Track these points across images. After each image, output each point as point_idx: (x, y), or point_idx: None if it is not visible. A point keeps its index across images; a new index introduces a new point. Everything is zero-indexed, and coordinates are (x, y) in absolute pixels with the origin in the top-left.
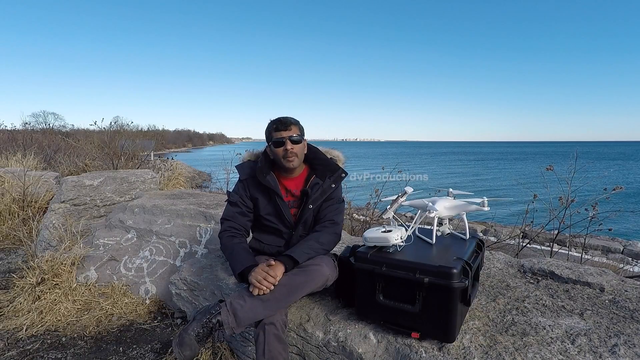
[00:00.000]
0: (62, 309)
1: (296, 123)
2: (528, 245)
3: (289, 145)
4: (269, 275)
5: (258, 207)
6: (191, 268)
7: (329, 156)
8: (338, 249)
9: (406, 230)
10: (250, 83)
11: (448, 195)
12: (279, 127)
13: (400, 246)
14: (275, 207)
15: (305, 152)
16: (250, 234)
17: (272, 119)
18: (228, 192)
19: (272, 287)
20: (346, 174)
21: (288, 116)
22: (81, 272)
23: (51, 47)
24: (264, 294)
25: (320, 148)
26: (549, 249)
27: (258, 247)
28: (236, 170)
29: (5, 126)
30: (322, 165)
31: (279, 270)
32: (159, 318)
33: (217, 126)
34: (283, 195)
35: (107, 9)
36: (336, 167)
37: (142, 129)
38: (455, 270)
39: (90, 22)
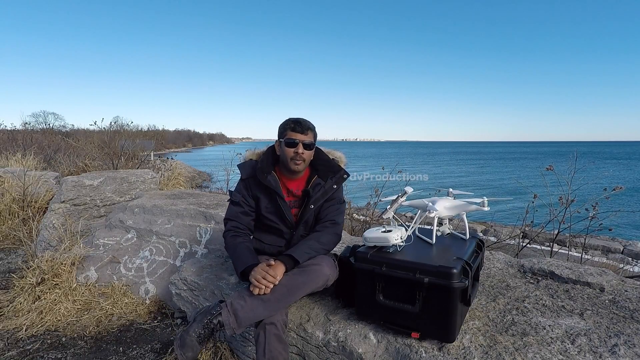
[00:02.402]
0: (62, 309)
1: (313, 129)
2: (528, 245)
3: (301, 149)
4: (269, 274)
5: (259, 206)
6: (191, 268)
7: (331, 157)
8: (338, 249)
9: (406, 230)
10: (250, 83)
11: (448, 195)
12: (297, 128)
13: (400, 246)
14: (276, 207)
15: (313, 159)
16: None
17: (290, 118)
18: (230, 192)
19: (272, 287)
20: (348, 175)
21: (307, 120)
22: (81, 272)
23: (51, 47)
24: (264, 293)
25: (322, 149)
26: (549, 249)
27: (259, 247)
28: (237, 170)
29: (5, 126)
30: (324, 165)
31: (279, 269)
32: (159, 318)
33: (217, 126)
34: (284, 195)
35: (107, 8)
36: (338, 168)
37: (142, 129)
38: (455, 270)
39: (90, 22)
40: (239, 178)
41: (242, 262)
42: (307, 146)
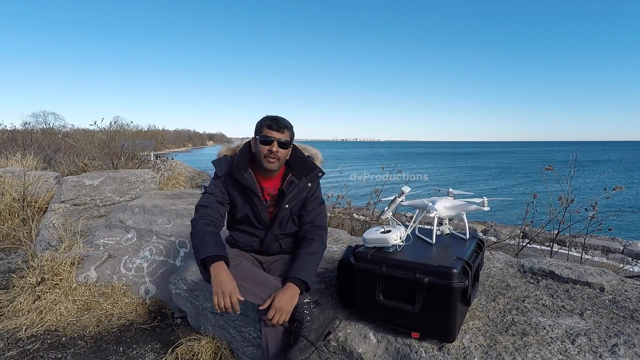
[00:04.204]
0: (62, 308)
1: (290, 128)
2: (528, 245)
3: (275, 147)
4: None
5: (235, 205)
6: (191, 268)
7: (306, 153)
8: (338, 249)
9: (405, 229)
10: (250, 83)
11: (448, 195)
12: (273, 126)
13: (400, 246)
14: (251, 206)
15: (288, 157)
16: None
17: (267, 115)
18: (204, 186)
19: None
20: (323, 173)
21: (284, 118)
22: (81, 272)
23: (51, 47)
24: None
25: (298, 145)
26: (549, 249)
27: (232, 242)
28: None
29: (5, 126)
30: (299, 163)
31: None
32: (159, 318)
33: (217, 126)
34: (260, 194)
35: (107, 8)
36: (313, 166)
37: (142, 129)
38: (455, 270)
39: (90, 21)
40: (214, 175)
41: (207, 250)
42: (282, 144)
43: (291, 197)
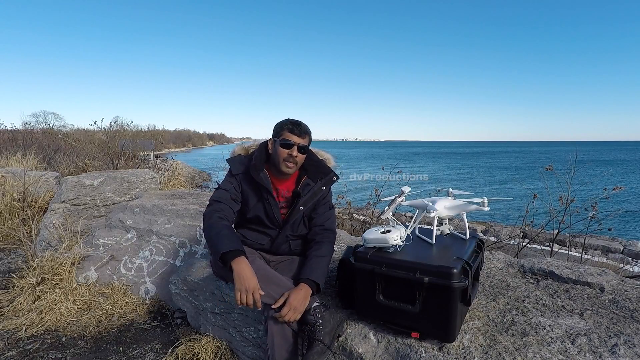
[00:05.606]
0: (62, 309)
1: (310, 134)
2: (528, 245)
3: (295, 152)
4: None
5: (247, 204)
6: (191, 268)
7: (319, 158)
8: (338, 249)
9: (405, 229)
10: (250, 83)
11: (448, 195)
12: (295, 130)
13: (400, 246)
14: (265, 206)
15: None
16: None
17: (289, 118)
18: (218, 183)
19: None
20: (338, 177)
21: (305, 124)
22: (81, 272)
23: (51, 47)
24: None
25: (311, 149)
26: (549, 249)
27: (240, 239)
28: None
29: (5, 126)
30: (314, 167)
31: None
32: (159, 318)
33: (217, 126)
34: (274, 195)
35: (107, 8)
36: (328, 170)
37: (142, 129)
38: (455, 270)
39: (90, 21)
40: (228, 172)
41: (226, 245)
42: (301, 149)
43: (306, 199)
